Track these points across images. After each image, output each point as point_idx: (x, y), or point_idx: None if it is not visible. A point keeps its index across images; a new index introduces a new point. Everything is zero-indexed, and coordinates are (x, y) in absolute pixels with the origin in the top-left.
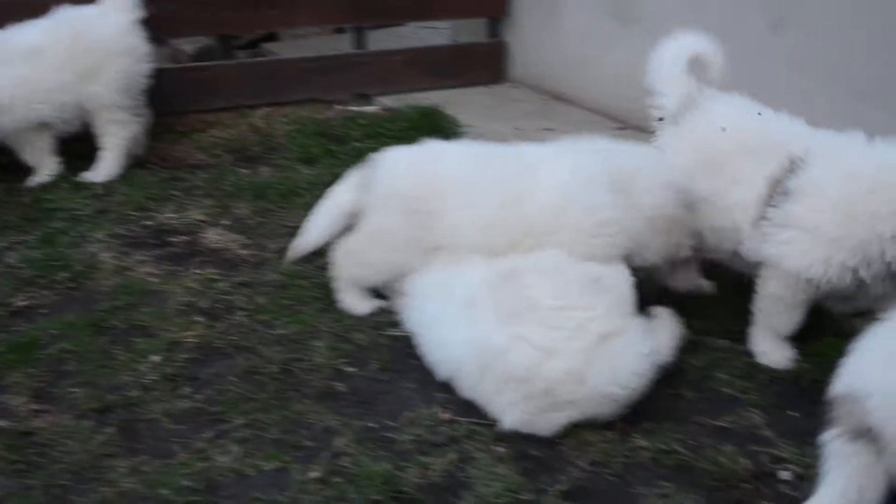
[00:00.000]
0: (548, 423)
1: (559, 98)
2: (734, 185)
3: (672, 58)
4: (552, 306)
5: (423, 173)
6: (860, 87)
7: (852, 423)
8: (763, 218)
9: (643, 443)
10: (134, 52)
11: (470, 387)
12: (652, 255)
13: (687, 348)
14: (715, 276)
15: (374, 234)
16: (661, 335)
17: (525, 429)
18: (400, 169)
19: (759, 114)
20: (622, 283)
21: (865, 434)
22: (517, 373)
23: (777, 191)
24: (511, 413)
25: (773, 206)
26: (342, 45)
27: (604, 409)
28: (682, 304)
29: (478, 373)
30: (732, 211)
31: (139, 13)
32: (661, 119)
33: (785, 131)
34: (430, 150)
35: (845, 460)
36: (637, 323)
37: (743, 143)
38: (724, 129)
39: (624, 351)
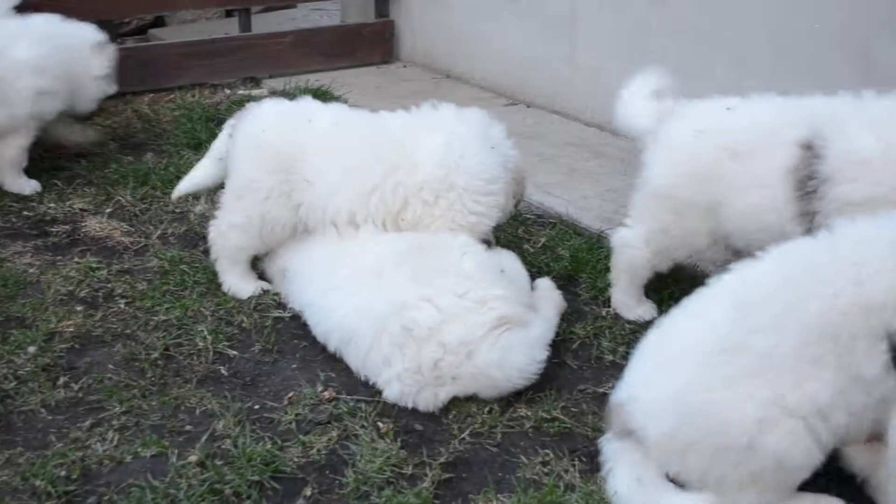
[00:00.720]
0: (430, 398)
1: (449, 76)
2: (751, 187)
3: (639, 88)
4: (463, 276)
5: (294, 130)
6: (740, 54)
7: (619, 426)
8: (805, 213)
9: (525, 412)
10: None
11: (359, 356)
12: (504, 214)
13: (572, 318)
14: None
15: (238, 188)
16: (545, 307)
17: (407, 402)
18: (268, 122)
19: (728, 108)
20: (523, 274)
21: (631, 435)
22: (417, 332)
23: (806, 183)
24: (395, 386)
25: (810, 197)
26: (232, 28)
27: (486, 392)
28: (571, 277)
29: (372, 337)
30: (759, 213)
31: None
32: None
33: (771, 117)
34: (303, 108)
35: (620, 456)
36: (540, 322)
37: (730, 145)
38: (728, 109)
39: (519, 344)
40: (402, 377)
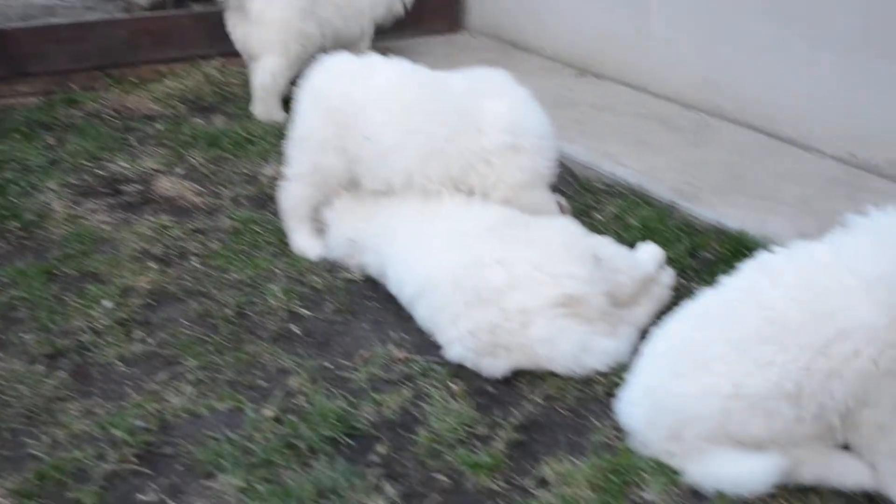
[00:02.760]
0: (489, 365)
1: (517, 46)
2: None
3: None
4: (546, 250)
5: (352, 84)
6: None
7: None
8: None
9: (598, 377)
10: None
11: (430, 311)
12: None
13: None
14: None
15: (298, 137)
16: (643, 305)
17: (472, 366)
18: (330, 73)
19: None
20: (625, 273)
21: None
22: (483, 292)
23: None
24: (456, 348)
25: None
26: None
27: (539, 367)
28: None
29: (445, 292)
30: None
31: None
32: None
33: None
34: (366, 63)
35: None
36: (620, 337)
37: None
38: None
39: (576, 333)
40: (464, 339)
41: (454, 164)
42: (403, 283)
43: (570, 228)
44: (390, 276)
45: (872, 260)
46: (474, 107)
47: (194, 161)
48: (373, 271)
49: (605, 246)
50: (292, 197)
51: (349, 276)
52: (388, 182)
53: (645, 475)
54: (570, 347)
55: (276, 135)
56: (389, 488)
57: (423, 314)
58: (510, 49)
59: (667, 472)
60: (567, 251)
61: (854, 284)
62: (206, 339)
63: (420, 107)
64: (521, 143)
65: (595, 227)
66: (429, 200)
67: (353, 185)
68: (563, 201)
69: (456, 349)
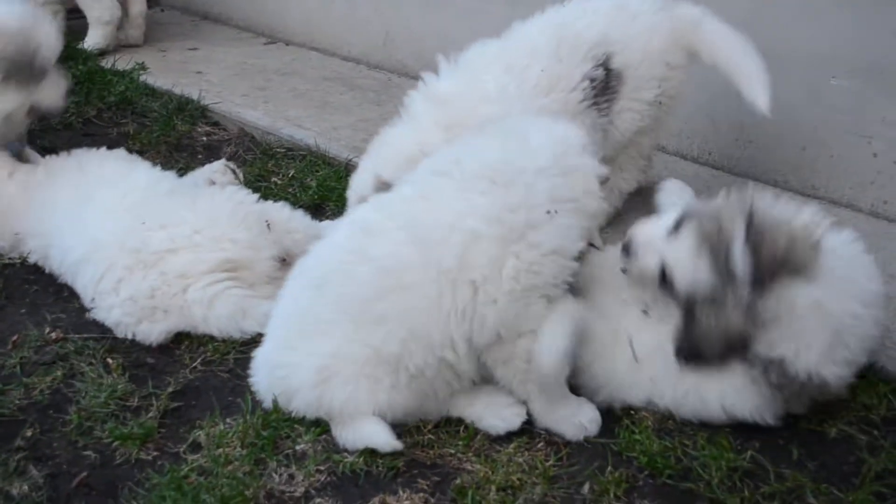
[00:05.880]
0: (147, 331)
1: (209, 18)
2: None
3: None
4: (209, 218)
5: None
6: None
7: None
8: None
9: (260, 339)
10: None
11: (94, 276)
12: None
13: None
14: None
15: None
16: None
17: (126, 334)
18: None
19: None
20: (301, 231)
21: None
22: (145, 255)
23: None
24: (115, 313)
25: None
26: None
27: (196, 330)
28: (319, 206)
29: (114, 251)
30: None
31: None
32: None
33: None
34: None
35: None
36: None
37: None
38: None
39: (234, 296)
40: (124, 304)
41: None
42: (70, 248)
43: (238, 195)
44: (55, 248)
45: None
46: None
47: None
48: (36, 257)
49: (278, 210)
50: None
51: (8, 261)
52: None
53: (298, 427)
54: (227, 310)
55: None
56: (34, 471)
57: (85, 281)
58: (200, 22)
59: (318, 422)
60: (231, 216)
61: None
62: None
63: None
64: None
65: (273, 191)
66: (92, 166)
67: None
68: (235, 167)
69: (115, 315)
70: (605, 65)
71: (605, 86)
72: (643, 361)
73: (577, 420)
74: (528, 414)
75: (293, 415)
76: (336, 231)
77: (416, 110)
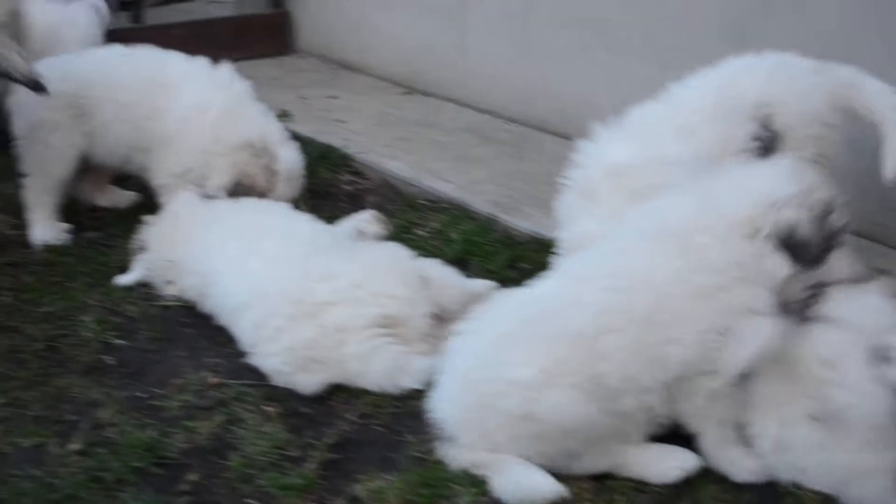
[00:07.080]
0: (304, 382)
1: (346, 66)
2: None
3: None
4: (369, 268)
5: None
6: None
7: None
8: None
9: (414, 392)
10: None
11: (254, 322)
12: None
13: None
14: None
15: None
16: None
17: (286, 383)
18: None
19: None
20: (454, 287)
21: None
22: (307, 306)
23: None
24: (273, 361)
25: None
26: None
27: (352, 383)
28: (462, 260)
29: (276, 300)
30: None
31: None
32: None
33: None
34: None
35: None
36: (438, 348)
37: None
38: None
39: (390, 352)
40: (281, 354)
41: None
42: (229, 294)
43: (396, 250)
44: (214, 291)
45: None
46: None
47: (9, 192)
48: (192, 294)
49: (433, 267)
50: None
51: (165, 303)
52: None
53: (455, 486)
54: (384, 366)
55: None
56: None
57: (245, 327)
58: (339, 69)
59: (476, 483)
60: (390, 271)
61: None
62: (14, 374)
63: None
64: None
65: (417, 243)
66: (257, 215)
67: None
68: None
69: (272, 362)
70: (767, 125)
71: (768, 146)
72: None
73: (746, 464)
74: None
75: (451, 473)
76: None
77: (593, 181)
